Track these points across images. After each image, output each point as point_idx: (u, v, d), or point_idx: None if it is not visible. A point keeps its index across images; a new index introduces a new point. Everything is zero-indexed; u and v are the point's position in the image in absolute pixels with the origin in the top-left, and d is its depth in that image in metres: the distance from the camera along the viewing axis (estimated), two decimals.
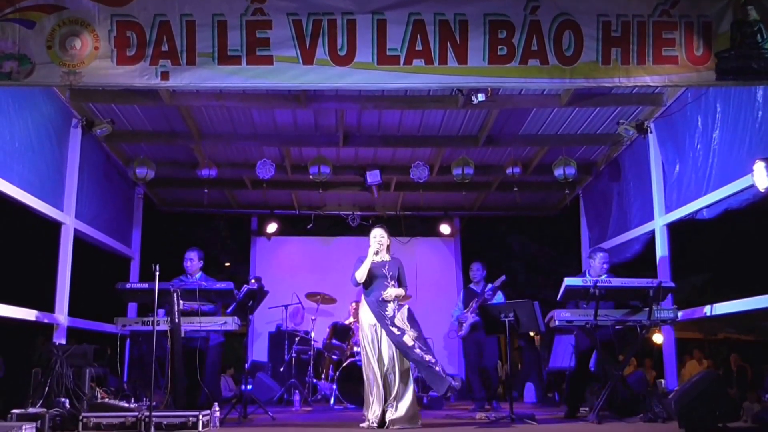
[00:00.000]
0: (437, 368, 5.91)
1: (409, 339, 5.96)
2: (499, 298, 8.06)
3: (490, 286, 8.17)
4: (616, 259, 9.34)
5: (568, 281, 6.48)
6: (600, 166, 9.96)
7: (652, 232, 8.12)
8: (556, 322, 6.53)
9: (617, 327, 6.57)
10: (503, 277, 8.08)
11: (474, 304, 8.13)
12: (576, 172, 9.26)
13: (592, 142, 9.34)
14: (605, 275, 7.05)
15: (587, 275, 7.13)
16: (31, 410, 5.48)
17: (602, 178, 9.98)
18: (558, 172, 9.22)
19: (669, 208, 7.79)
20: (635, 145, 8.69)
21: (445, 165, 9.74)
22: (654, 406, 6.18)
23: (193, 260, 7.40)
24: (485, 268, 8.49)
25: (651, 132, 8.14)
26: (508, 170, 9.58)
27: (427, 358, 5.92)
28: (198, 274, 7.41)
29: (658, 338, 12.63)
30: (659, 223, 7.96)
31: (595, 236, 10.37)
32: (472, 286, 8.55)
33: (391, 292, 6.13)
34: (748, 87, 6.05)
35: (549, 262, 14.67)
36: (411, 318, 6.16)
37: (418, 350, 5.94)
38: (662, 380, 7.58)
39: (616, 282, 6.60)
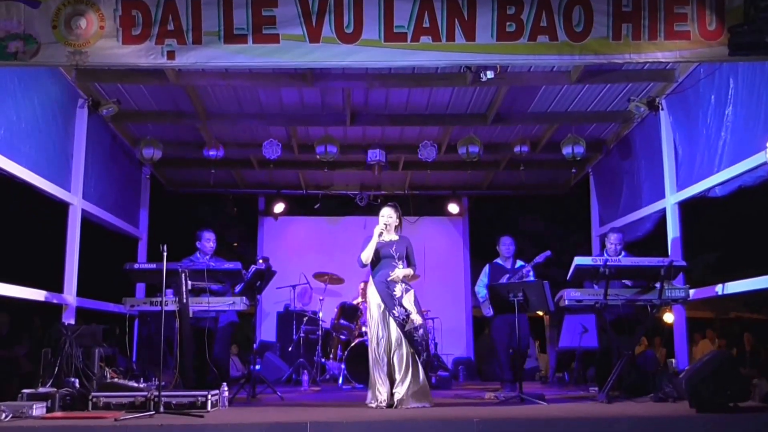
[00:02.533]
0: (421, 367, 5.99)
1: (415, 320, 6.01)
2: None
3: (522, 263, 7.89)
4: (627, 238, 9.32)
5: (578, 260, 6.48)
6: (610, 143, 9.92)
7: (664, 211, 8.10)
8: (566, 302, 6.54)
9: (628, 306, 6.56)
10: (548, 253, 7.77)
11: (504, 281, 7.64)
12: (585, 150, 9.23)
13: (602, 120, 9.30)
14: (623, 254, 7.07)
15: (605, 254, 7.14)
16: (41, 390, 5.55)
17: (613, 156, 9.94)
18: (566, 150, 9.19)
19: (680, 186, 7.76)
20: (646, 123, 8.64)
21: (453, 144, 9.70)
22: (664, 386, 6.18)
23: (214, 241, 7.57)
24: (516, 243, 8.06)
25: (662, 109, 8.09)
26: (516, 148, 9.56)
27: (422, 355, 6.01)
28: (209, 255, 7.51)
29: (669, 317, 12.64)
30: (671, 201, 7.93)
31: (606, 215, 10.35)
32: (499, 261, 8.13)
33: (399, 272, 6.13)
34: (761, 62, 6.00)
35: (558, 241, 14.65)
36: (417, 303, 6.19)
37: (421, 332, 6.01)
38: (673, 360, 7.60)
39: (627, 261, 6.60)
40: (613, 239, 7.30)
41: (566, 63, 6.91)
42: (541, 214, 14.92)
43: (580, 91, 8.39)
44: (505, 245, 8.04)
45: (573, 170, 10.53)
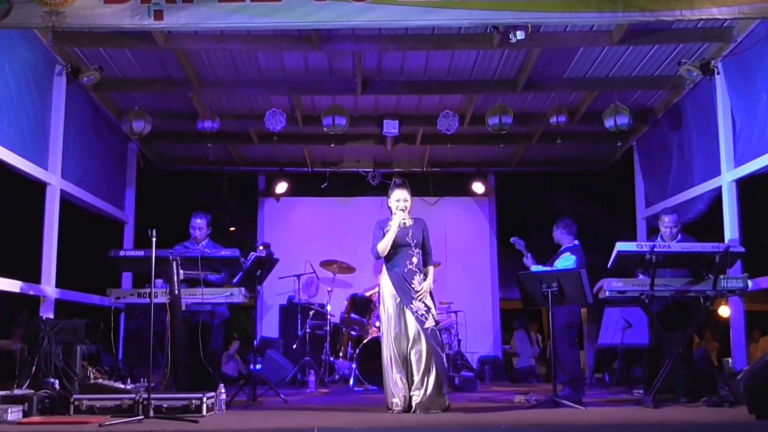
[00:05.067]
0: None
1: (433, 317, 6.00)
2: (569, 262, 7.32)
3: (570, 245, 7.70)
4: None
5: (621, 246, 6.42)
6: (658, 113, 9.85)
7: (719, 189, 8.04)
8: (607, 293, 6.49)
9: (677, 298, 6.51)
10: (513, 241, 7.62)
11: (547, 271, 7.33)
12: (630, 120, 9.15)
13: (648, 86, 9.22)
14: (679, 238, 6.96)
15: (659, 240, 7.06)
16: (17, 392, 5.58)
17: (660, 127, 9.87)
18: (609, 121, 9.12)
19: (738, 162, 7.68)
20: (699, 89, 8.56)
21: (479, 114, 9.67)
22: (720, 389, 6.16)
23: (202, 228, 7.48)
24: (570, 224, 7.63)
25: (718, 73, 7.99)
26: (552, 119, 9.49)
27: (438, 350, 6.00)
28: (205, 241, 7.47)
29: (724, 311, 12.58)
30: (727, 178, 7.87)
31: (652, 194, 10.30)
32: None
33: (426, 286, 6.10)
34: None
35: (598, 224, 14.57)
36: (432, 296, 6.19)
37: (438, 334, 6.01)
38: (729, 359, 7.56)
39: (677, 247, 6.54)
40: (667, 221, 7.12)
41: (607, 21, 6.84)
42: (578, 193, 14.81)
43: (623, 53, 8.31)
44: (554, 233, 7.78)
45: (619, 143, 10.43)
